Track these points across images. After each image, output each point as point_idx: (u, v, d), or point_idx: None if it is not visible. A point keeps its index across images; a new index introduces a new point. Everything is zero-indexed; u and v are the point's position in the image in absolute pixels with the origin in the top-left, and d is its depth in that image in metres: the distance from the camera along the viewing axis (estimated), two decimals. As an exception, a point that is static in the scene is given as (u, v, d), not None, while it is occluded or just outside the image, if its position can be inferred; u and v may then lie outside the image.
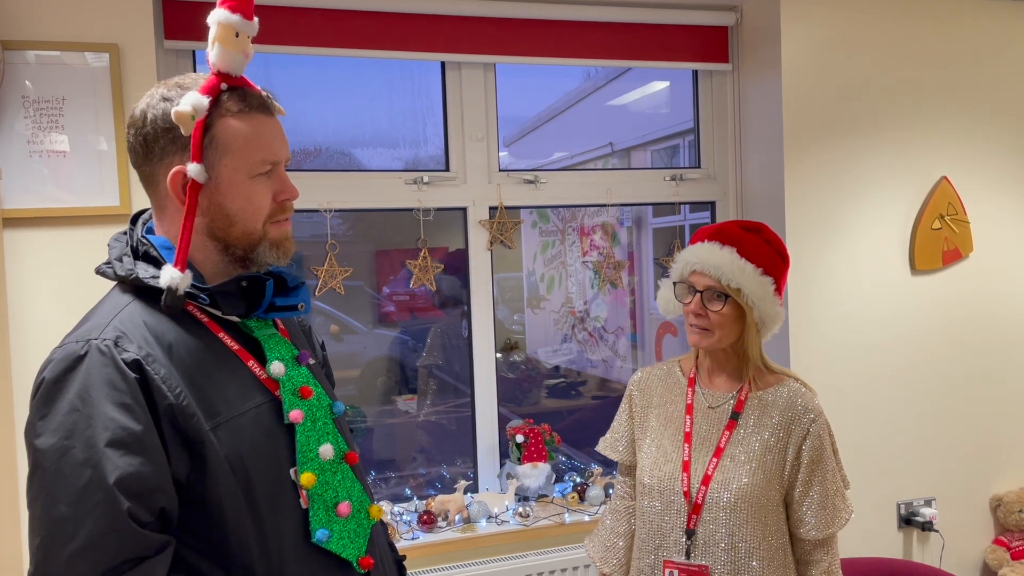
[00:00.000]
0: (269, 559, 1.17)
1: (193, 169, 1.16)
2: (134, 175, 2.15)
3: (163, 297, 1.16)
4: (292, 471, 1.21)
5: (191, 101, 1.15)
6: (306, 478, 1.20)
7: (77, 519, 1.04)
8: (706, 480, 1.73)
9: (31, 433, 1.10)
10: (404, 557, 1.55)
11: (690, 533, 1.73)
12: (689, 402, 1.83)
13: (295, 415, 1.22)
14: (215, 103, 1.18)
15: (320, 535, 1.20)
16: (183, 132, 1.16)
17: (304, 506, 1.21)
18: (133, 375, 1.10)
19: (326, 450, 1.24)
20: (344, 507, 1.25)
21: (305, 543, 1.20)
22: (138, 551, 1.06)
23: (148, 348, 1.13)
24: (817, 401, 1.77)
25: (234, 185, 1.20)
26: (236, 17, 1.17)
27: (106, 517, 1.04)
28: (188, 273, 1.17)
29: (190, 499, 1.14)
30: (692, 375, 1.86)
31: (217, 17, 1.17)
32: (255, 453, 1.18)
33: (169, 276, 1.16)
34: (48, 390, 1.10)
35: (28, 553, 1.08)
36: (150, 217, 1.29)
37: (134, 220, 1.30)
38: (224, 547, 1.15)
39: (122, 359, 1.10)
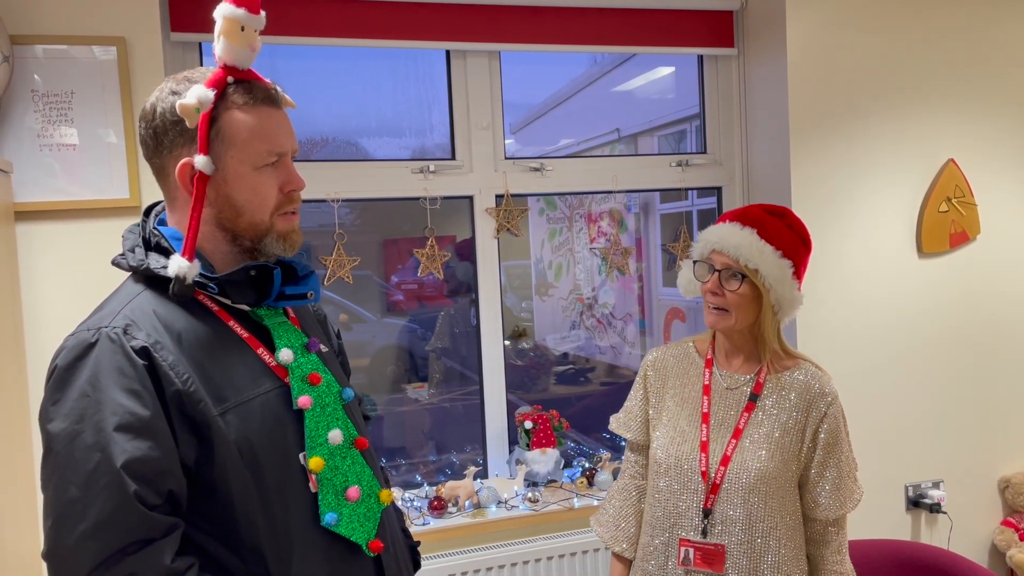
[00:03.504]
0: (278, 541, 1.19)
1: (200, 161, 1.18)
2: (143, 167, 2.20)
3: (171, 286, 1.18)
4: (301, 456, 1.23)
5: (196, 94, 1.17)
6: (315, 462, 1.23)
7: (86, 501, 1.07)
8: (725, 460, 1.74)
9: (44, 418, 1.14)
10: (419, 543, 1.57)
11: (707, 512, 1.74)
12: (706, 383, 1.83)
13: (303, 401, 1.25)
14: (221, 96, 1.20)
15: (329, 519, 1.23)
16: (188, 125, 1.18)
17: (313, 490, 1.23)
18: (142, 362, 1.13)
19: (335, 435, 1.27)
20: (353, 491, 1.27)
21: (314, 526, 1.23)
22: (146, 533, 1.09)
23: (157, 336, 1.16)
24: (833, 384, 1.78)
25: (240, 176, 1.22)
26: (241, 11, 1.18)
27: (113, 499, 1.08)
28: (196, 262, 1.20)
29: (199, 482, 1.17)
30: (709, 356, 1.86)
31: (222, 11, 1.19)
32: (264, 438, 1.20)
33: (177, 265, 1.18)
34: (60, 376, 1.14)
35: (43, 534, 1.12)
36: (163, 209, 1.32)
37: (148, 212, 1.33)
38: (233, 529, 1.18)
39: (131, 346, 1.13)
